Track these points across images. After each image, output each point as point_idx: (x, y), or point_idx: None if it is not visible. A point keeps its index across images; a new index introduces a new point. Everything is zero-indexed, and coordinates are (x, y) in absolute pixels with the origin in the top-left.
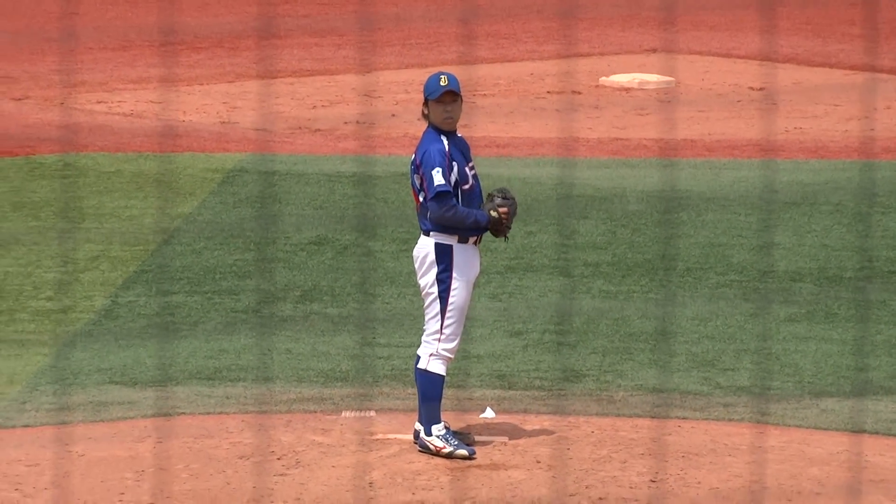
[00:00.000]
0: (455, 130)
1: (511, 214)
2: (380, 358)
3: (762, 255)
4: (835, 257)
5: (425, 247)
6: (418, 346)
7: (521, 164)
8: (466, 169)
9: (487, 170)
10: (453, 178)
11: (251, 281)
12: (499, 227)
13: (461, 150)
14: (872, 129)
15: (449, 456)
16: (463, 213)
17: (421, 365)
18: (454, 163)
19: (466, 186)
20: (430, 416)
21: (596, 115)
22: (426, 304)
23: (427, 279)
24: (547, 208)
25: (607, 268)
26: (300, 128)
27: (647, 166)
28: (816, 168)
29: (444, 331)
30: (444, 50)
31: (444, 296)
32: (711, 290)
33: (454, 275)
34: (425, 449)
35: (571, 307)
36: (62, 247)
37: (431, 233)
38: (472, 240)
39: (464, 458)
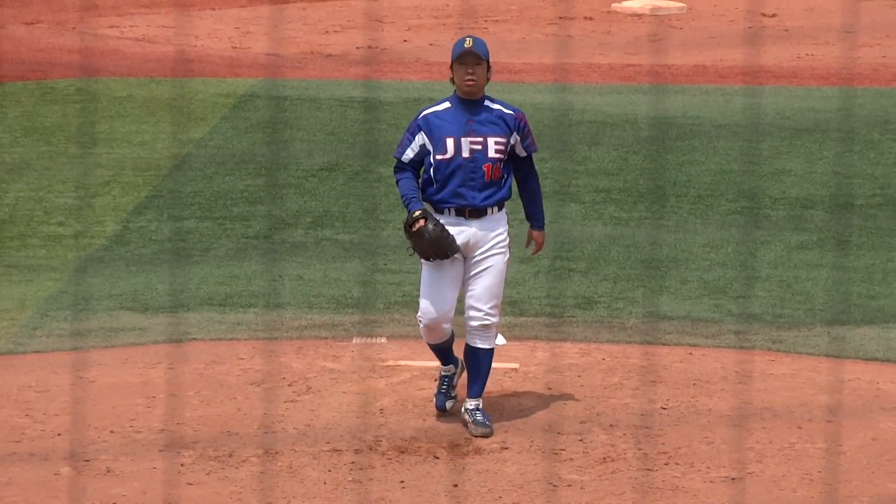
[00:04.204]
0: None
1: (422, 238)
2: (391, 284)
3: (773, 182)
4: (846, 185)
5: None
6: None
7: (533, 89)
8: (451, 141)
9: (500, 95)
10: (415, 150)
11: (262, 207)
12: (408, 231)
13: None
14: (885, 57)
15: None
16: (401, 191)
17: None
18: (421, 133)
19: (442, 157)
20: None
21: (608, 41)
22: None
23: None
24: (559, 134)
25: (618, 194)
26: (312, 53)
27: (658, 93)
28: (828, 95)
29: (420, 298)
30: None
31: (421, 261)
32: (723, 217)
33: None
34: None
35: (583, 234)
36: (74, 172)
37: None
38: (448, 210)
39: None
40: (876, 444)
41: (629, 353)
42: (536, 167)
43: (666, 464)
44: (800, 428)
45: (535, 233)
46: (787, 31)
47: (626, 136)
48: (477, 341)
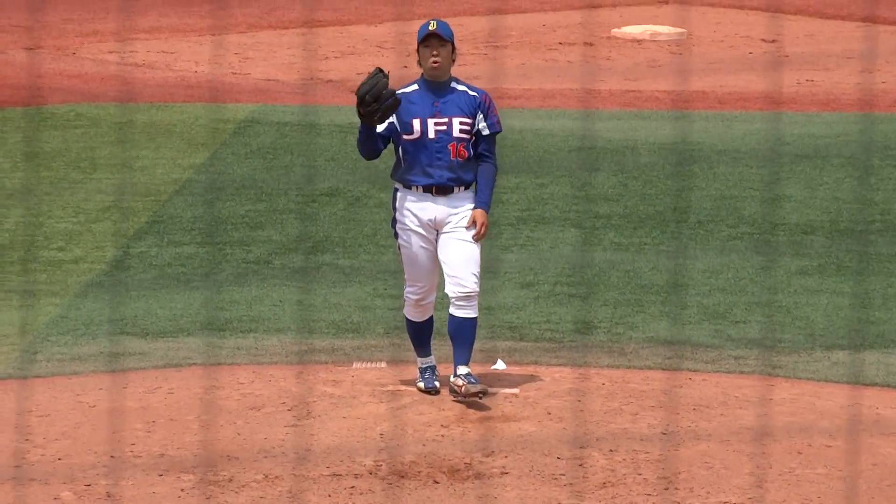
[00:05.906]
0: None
1: (365, 95)
2: (391, 309)
3: (773, 208)
4: (846, 210)
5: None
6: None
7: (534, 115)
8: (417, 122)
9: None
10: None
11: (262, 232)
12: (368, 115)
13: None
14: (885, 82)
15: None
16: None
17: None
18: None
19: (409, 137)
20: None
21: (608, 66)
22: None
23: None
24: (559, 160)
25: (619, 220)
26: (312, 79)
27: (658, 118)
28: (828, 121)
29: (405, 276)
30: (457, 2)
31: (398, 241)
32: (723, 243)
33: (396, 219)
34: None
35: (583, 259)
36: (74, 197)
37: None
38: (415, 188)
39: (420, 389)
40: (876, 469)
41: (629, 378)
42: (495, 163)
43: (666, 489)
44: (799, 453)
45: (476, 210)
46: (786, 56)
47: (626, 161)
48: (459, 311)
